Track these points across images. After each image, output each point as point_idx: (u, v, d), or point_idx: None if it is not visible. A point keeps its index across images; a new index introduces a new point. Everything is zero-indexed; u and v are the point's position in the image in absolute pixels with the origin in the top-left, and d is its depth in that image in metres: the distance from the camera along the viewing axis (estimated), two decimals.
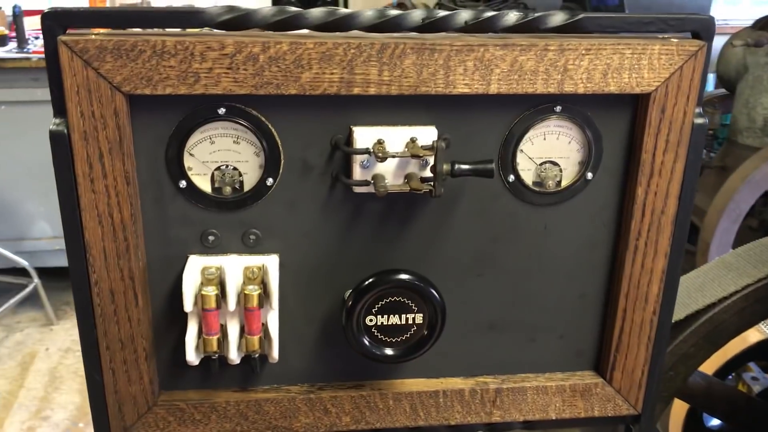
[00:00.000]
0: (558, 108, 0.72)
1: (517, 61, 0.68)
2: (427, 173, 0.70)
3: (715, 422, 1.53)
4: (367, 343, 0.73)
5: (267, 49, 0.64)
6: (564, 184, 0.75)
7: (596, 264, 0.79)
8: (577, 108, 0.72)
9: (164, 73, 0.64)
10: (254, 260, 0.72)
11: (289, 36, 0.66)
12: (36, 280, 2.78)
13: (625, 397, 0.83)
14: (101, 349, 0.72)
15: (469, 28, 0.67)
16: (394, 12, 0.66)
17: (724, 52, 2.59)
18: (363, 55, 0.66)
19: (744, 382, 1.59)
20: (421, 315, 0.73)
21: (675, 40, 0.70)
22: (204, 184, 0.70)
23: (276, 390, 0.78)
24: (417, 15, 0.66)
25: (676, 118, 0.72)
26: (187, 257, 0.72)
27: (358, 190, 0.71)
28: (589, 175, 0.75)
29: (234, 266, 0.71)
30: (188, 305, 0.69)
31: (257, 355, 0.74)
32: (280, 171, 0.70)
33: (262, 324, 0.72)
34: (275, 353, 0.73)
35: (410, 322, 0.73)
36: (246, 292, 0.70)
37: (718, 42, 2.66)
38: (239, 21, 0.64)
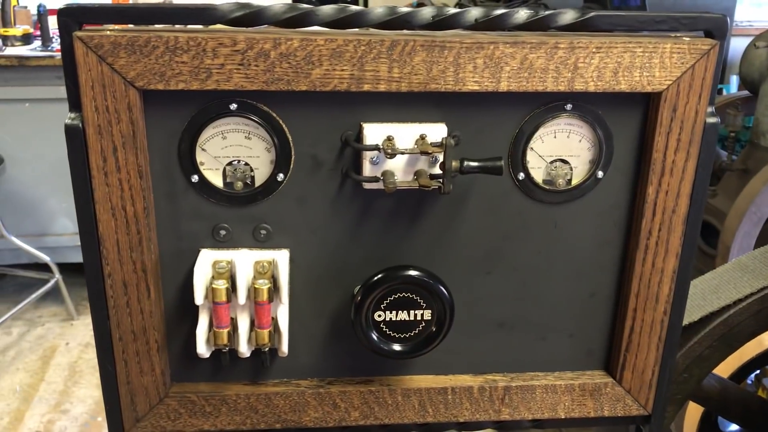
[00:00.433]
0: (568, 106, 0.72)
1: (527, 59, 0.68)
2: (437, 170, 0.71)
3: (733, 427, 1.51)
4: (375, 338, 0.74)
5: (278, 46, 0.65)
6: (574, 182, 0.75)
7: (607, 263, 0.78)
8: (588, 106, 0.72)
9: (177, 68, 0.65)
10: (265, 255, 0.73)
11: (300, 33, 0.67)
12: (57, 275, 2.82)
13: (635, 398, 0.82)
14: (114, 340, 0.73)
15: (479, 26, 0.68)
16: (405, 9, 0.67)
17: (748, 54, 2.56)
18: (373, 52, 0.66)
19: (764, 387, 1.58)
20: (430, 311, 0.74)
21: (687, 39, 0.70)
22: (216, 179, 0.71)
23: (285, 384, 0.79)
24: (427, 12, 0.67)
25: (688, 117, 0.71)
26: (198, 251, 0.73)
27: (367, 186, 0.71)
28: (600, 174, 0.75)
29: (245, 260, 0.71)
30: (199, 298, 0.70)
31: (267, 349, 0.74)
32: (291, 166, 0.71)
33: (272, 318, 0.73)
34: (285, 347, 0.74)
35: (419, 318, 0.74)
36: (256, 286, 0.71)
37: (742, 43, 2.63)
38: (251, 18, 0.65)
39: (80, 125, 0.66)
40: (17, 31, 2.86)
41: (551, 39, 0.68)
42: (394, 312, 0.73)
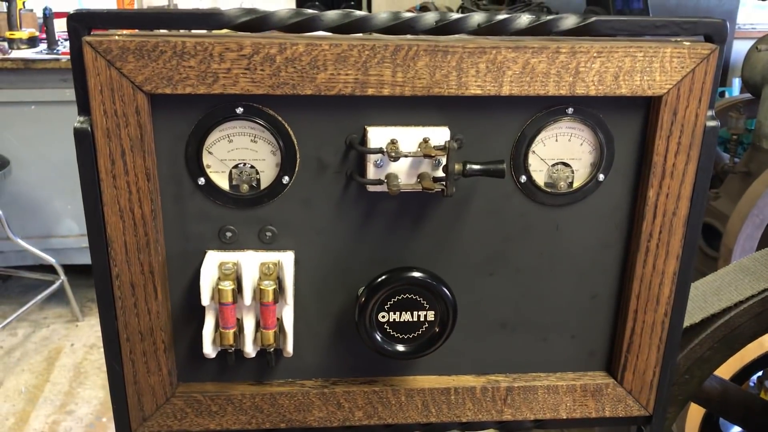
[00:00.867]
0: (570, 110, 0.73)
1: (529, 64, 0.69)
2: (440, 173, 0.72)
3: (735, 429, 1.52)
4: (379, 339, 0.75)
5: (284, 51, 0.66)
6: (576, 185, 0.76)
7: (608, 265, 0.79)
8: (589, 110, 0.73)
9: (184, 73, 0.66)
10: (270, 256, 0.74)
11: (305, 38, 0.68)
12: (62, 277, 2.84)
13: (636, 398, 0.83)
14: (121, 340, 0.74)
15: (481, 31, 0.69)
16: (408, 14, 0.68)
17: (750, 57, 2.57)
18: (377, 56, 0.67)
19: (766, 389, 1.58)
20: (433, 312, 0.75)
21: (687, 43, 0.71)
22: (222, 182, 0.72)
23: (290, 384, 0.80)
24: (430, 17, 0.68)
25: (688, 121, 0.72)
26: (204, 252, 0.74)
27: (371, 188, 0.72)
28: (601, 177, 0.75)
29: (250, 262, 0.72)
30: (205, 299, 0.71)
31: (272, 349, 0.75)
32: (296, 169, 0.72)
33: (277, 319, 0.74)
34: (290, 347, 0.75)
35: (422, 319, 0.75)
36: (262, 287, 0.72)
37: (745, 46, 2.64)
38: (257, 23, 0.66)
39: (89, 129, 0.67)
40: (23, 34, 2.88)
41: (553, 44, 0.69)
42: (397, 313, 0.74)
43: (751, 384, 1.61)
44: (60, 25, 3.02)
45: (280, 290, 0.73)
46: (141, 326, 0.73)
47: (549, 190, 0.75)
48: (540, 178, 0.75)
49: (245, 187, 0.72)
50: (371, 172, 0.71)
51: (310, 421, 0.80)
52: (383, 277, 0.73)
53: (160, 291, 0.73)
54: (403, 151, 0.70)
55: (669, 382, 0.82)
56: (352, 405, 0.80)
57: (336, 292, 0.77)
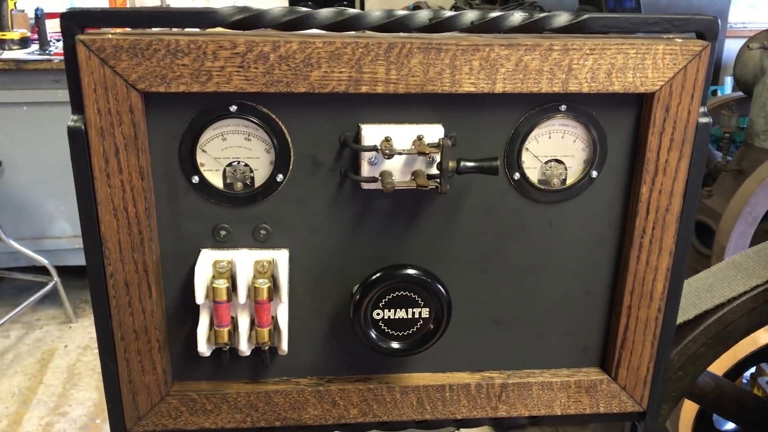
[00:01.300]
0: (563, 107, 0.73)
1: (522, 61, 0.69)
2: (434, 170, 0.72)
3: (729, 425, 1.52)
4: (374, 336, 0.75)
5: (277, 48, 0.66)
6: (569, 182, 0.76)
7: (601, 261, 0.80)
8: (582, 107, 0.73)
9: (178, 71, 0.66)
10: (264, 254, 0.74)
11: (299, 35, 0.68)
12: (56, 278, 2.83)
13: (631, 394, 0.83)
14: (116, 339, 0.74)
15: (474, 29, 0.69)
16: (402, 12, 0.68)
17: (742, 55, 2.58)
18: (371, 54, 0.67)
19: (759, 386, 1.59)
20: (428, 309, 0.75)
21: (679, 41, 0.71)
22: (216, 180, 0.72)
23: (285, 382, 0.80)
24: (424, 15, 0.68)
25: (681, 118, 0.73)
26: (199, 251, 0.74)
27: (366, 186, 0.72)
28: (594, 174, 0.76)
29: (245, 260, 0.72)
30: (200, 297, 0.71)
31: (267, 348, 0.75)
32: (290, 167, 0.72)
33: (272, 317, 0.74)
34: (285, 345, 0.75)
35: (417, 316, 0.75)
36: (256, 285, 0.72)
37: (737, 44, 2.65)
38: (250, 21, 0.66)
39: (83, 127, 0.67)
40: (15, 34, 2.87)
41: (546, 41, 0.69)
42: (392, 310, 0.74)
43: (744, 380, 1.62)
44: (52, 26, 3.01)
45: (274, 288, 0.73)
46: (135, 325, 0.73)
47: (542, 187, 0.76)
48: (533, 175, 0.75)
49: (239, 185, 0.72)
50: (365, 170, 0.71)
51: (305, 419, 0.80)
52: (378, 274, 0.73)
53: (155, 290, 0.73)
54: (397, 148, 0.70)
55: (663, 378, 0.83)
56: (347, 403, 0.80)
57: (330, 290, 0.77)
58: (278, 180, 0.72)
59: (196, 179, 0.71)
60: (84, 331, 2.81)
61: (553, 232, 0.78)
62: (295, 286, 0.76)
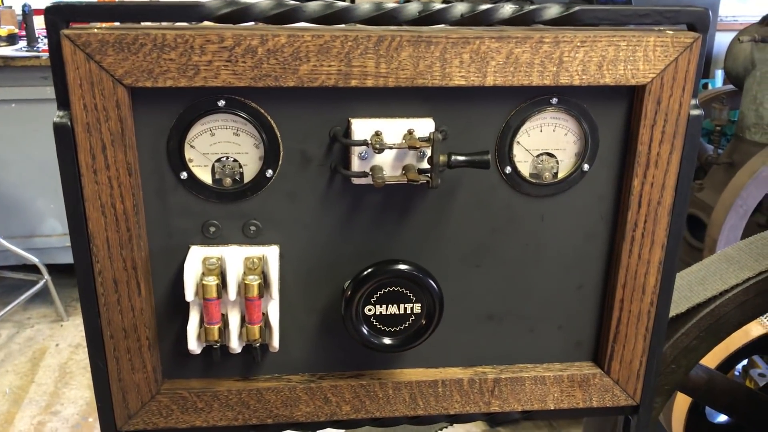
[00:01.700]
0: (554, 100, 0.72)
1: (513, 54, 0.69)
2: (425, 165, 0.71)
3: (721, 417, 1.53)
4: (366, 332, 0.74)
5: (265, 42, 0.65)
6: (561, 175, 0.75)
7: (594, 255, 0.79)
8: (573, 100, 0.73)
9: (165, 66, 0.65)
10: (254, 251, 0.73)
11: (287, 29, 0.67)
12: (46, 276, 2.81)
13: (624, 388, 0.83)
14: (105, 337, 0.73)
15: (465, 21, 0.68)
16: (391, 5, 0.67)
17: (732, 48, 2.58)
18: (360, 47, 0.67)
19: (751, 378, 1.60)
20: (420, 305, 0.74)
21: (670, 32, 0.71)
22: (205, 176, 0.71)
23: (277, 379, 0.79)
24: (413, 8, 0.67)
25: (672, 110, 0.72)
26: (188, 247, 0.73)
27: (356, 181, 0.72)
28: (586, 167, 0.75)
29: (234, 257, 0.72)
30: (189, 295, 0.71)
31: (258, 345, 0.75)
32: (280, 163, 0.71)
33: (263, 313, 0.73)
34: (276, 342, 0.74)
35: (409, 311, 0.74)
36: (246, 282, 0.71)
37: (728, 38, 2.65)
38: (238, 14, 0.65)
39: (69, 123, 0.66)
40: (2, 31, 2.85)
41: (536, 33, 0.69)
42: (384, 306, 0.74)
43: (737, 373, 1.62)
44: (40, 22, 2.99)
45: (265, 285, 0.72)
46: (124, 323, 0.73)
47: (534, 180, 0.75)
48: (525, 168, 0.75)
49: (228, 181, 0.71)
50: (356, 165, 0.71)
51: (297, 416, 0.80)
52: (369, 270, 0.73)
53: (144, 287, 0.72)
54: (388, 142, 0.70)
55: (656, 371, 0.83)
56: (340, 399, 0.80)
57: (322, 286, 0.76)
58: (268, 175, 0.71)
59: (184, 175, 0.71)
60: (75, 329, 2.80)
61: (545, 226, 0.77)
62: (285, 282, 0.76)
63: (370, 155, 0.70)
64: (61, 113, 0.66)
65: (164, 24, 0.69)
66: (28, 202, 2.87)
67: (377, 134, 0.70)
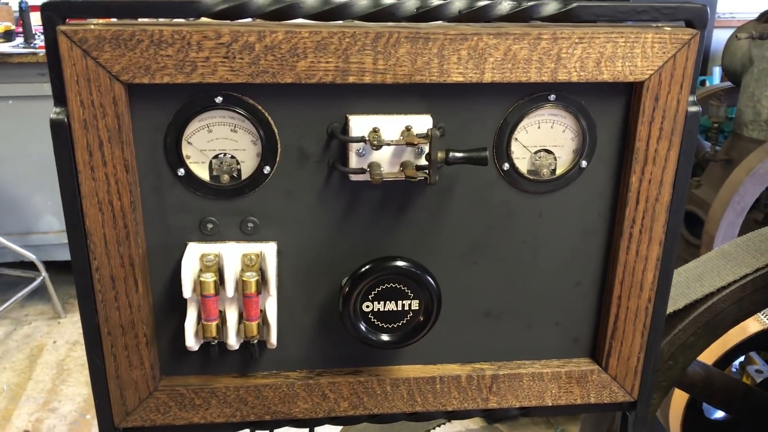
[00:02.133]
0: (552, 96, 0.72)
1: (511, 50, 0.69)
2: (423, 161, 0.71)
3: (719, 414, 1.53)
4: (363, 329, 0.74)
5: (263, 38, 0.65)
6: (558, 172, 0.75)
7: (591, 252, 0.79)
8: (571, 96, 0.73)
9: (162, 62, 0.65)
10: (252, 248, 0.73)
11: (285, 25, 0.67)
12: (44, 273, 2.81)
13: (621, 384, 0.83)
14: (102, 334, 0.73)
15: (462, 17, 0.68)
16: (389, 1, 0.67)
17: (730, 45, 2.58)
18: (358, 44, 0.66)
19: (748, 374, 1.60)
20: (417, 301, 0.74)
21: (668, 29, 0.71)
22: (202, 172, 0.71)
23: (275, 376, 0.79)
24: (411, 4, 0.67)
25: (670, 107, 0.72)
26: (185, 244, 0.73)
27: (354, 178, 0.72)
28: (584, 164, 0.75)
29: (232, 253, 0.72)
30: (187, 291, 0.71)
31: (256, 341, 0.75)
32: (277, 159, 0.71)
33: (261, 310, 0.73)
34: (274, 339, 0.74)
35: (406, 308, 0.74)
36: (244, 278, 0.71)
37: (725, 35, 2.65)
38: (235, 10, 0.65)
39: (65, 120, 0.66)
40: None
41: (534, 30, 0.68)
42: (382, 302, 0.74)
43: (734, 369, 1.62)
44: (36, 19, 2.98)
45: (262, 281, 0.72)
46: (122, 320, 0.73)
47: (532, 177, 0.75)
48: (523, 165, 0.75)
49: (226, 177, 0.71)
50: (353, 161, 0.71)
51: (295, 413, 0.80)
52: (367, 266, 0.73)
53: (141, 284, 0.72)
54: (386, 139, 0.69)
55: (653, 367, 0.83)
56: (338, 396, 0.80)
57: (319, 283, 0.76)
58: (265, 172, 0.71)
59: (181, 172, 0.70)
60: (73, 326, 2.80)
61: (543, 223, 0.77)
62: (283, 279, 0.76)
63: (368, 152, 0.70)
64: (57, 110, 0.66)
65: (161, 20, 0.69)
66: (25, 199, 2.87)
67: (375, 131, 0.70)
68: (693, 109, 0.73)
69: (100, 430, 0.77)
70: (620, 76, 0.71)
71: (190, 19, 0.68)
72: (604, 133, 0.75)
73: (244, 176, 0.71)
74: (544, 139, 0.74)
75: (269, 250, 0.72)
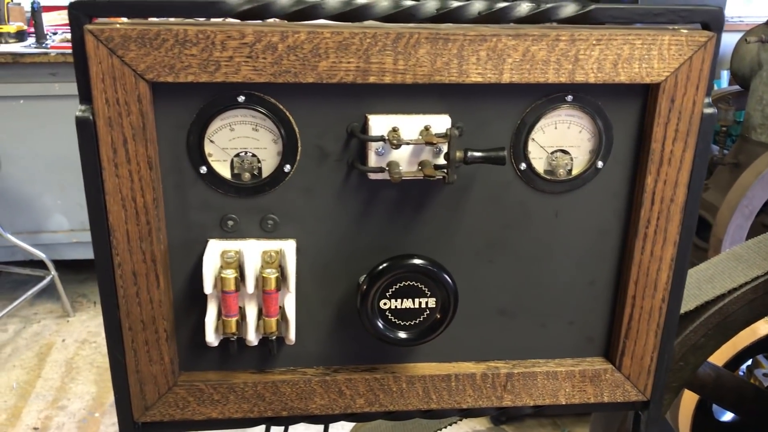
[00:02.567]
0: (569, 97, 0.73)
1: (529, 51, 0.69)
2: (441, 161, 0.72)
3: (728, 416, 1.53)
4: (381, 326, 0.75)
5: (285, 39, 0.66)
6: (575, 172, 0.76)
7: (606, 251, 0.80)
8: (588, 98, 0.74)
9: (186, 61, 0.66)
10: (272, 245, 0.74)
11: (307, 26, 0.68)
12: (53, 272, 2.82)
13: (635, 384, 0.84)
14: (123, 329, 0.74)
15: (482, 19, 0.69)
16: (409, 2, 0.68)
17: (739, 49, 2.58)
18: (378, 44, 0.67)
19: (756, 378, 1.60)
20: (434, 299, 0.75)
21: (685, 31, 0.71)
22: (224, 170, 0.72)
23: (292, 372, 0.80)
24: (431, 5, 0.68)
25: (686, 108, 0.73)
26: (206, 241, 0.74)
27: (373, 176, 0.73)
28: (600, 164, 0.76)
29: (252, 250, 0.73)
30: (208, 287, 0.72)
31: (274, 337, 0.76)
32: (298, 158, 0.72)
33: (280, 307, 0.74)
34: (292, 335, 0.75)
35: (423, 306, 0.75)
36: (264, 275, 0.72)
37: (733, 38, 2.66)
38: (259, 11, 0.66)
39: (91, 117, 0.67)
40: (11, 28, 2.86)
41: (552, 31, 0.69)
42: (399, 300, 0.75)
43: (741, 373, 1.63)
44: (48, 19, 3.00)
45: (282, 278, 0.73)
46: (143, 315, 0.74)
47: (548, 177, 0.76)
48: (539, 165, 0.76)
49: (247, 175, 0.72)
50: (372, 160, 0.72)
51: (311, 409, 0.80)
52: (385, 264, 0.73)
53: (162, 280, 0.73)
54: (405, 138, 0.70)
55: (666, 367, 0.83)
56: (354, 392, 0.80)
57: (338, 280, 0.77)
58: (285, 170, 0.72)
59: (203, 169, 0.71)
60: (81, 325, 2.81)
61: (559, 223, 0.78)
62: (302, 276, 0.76)
63: (387, 151, 0.71)
64: (83, 107, 0.67)
65: (186, 20, 0.70)
66: (35, 198, 2.88)
67: (394, 130, 0.70)
68: (708, 110, 0.74)
69: (119, 425, 0.78)
70: (637, 77, 0.71)
71: (214, 19, 0.69)
72: (620, 134, 0.76)
73: (264, 174, 0.72)
74: (561, 139, 0.75)
75: (289, 248, 0.73)
